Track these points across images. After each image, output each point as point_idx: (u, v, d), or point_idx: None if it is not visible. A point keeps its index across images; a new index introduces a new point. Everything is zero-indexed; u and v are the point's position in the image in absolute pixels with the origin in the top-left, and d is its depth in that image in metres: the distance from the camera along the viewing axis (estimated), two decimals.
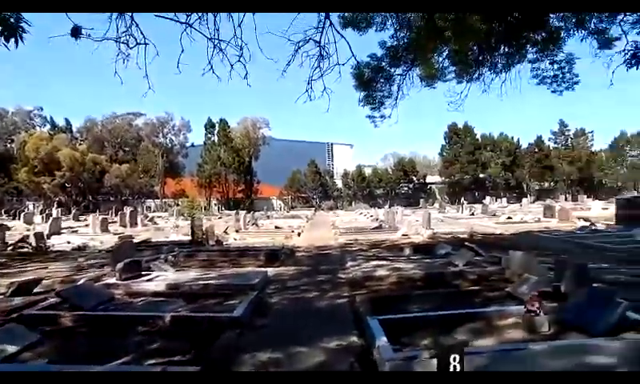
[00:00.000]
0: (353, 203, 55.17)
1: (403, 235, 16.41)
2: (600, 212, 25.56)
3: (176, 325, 5.26)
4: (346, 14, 9.74)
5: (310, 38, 8.90)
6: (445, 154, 56.28)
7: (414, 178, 57.89)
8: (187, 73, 8.46)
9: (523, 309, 4.96)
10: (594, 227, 16.90)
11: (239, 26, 7.29)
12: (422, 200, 52.84)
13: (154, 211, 45.13)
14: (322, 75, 9.02)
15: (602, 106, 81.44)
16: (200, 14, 7.12)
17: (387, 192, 56.67)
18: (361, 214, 35.79)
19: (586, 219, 19.66)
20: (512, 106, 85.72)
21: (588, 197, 43.70)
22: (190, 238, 15.75)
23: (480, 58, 11.21)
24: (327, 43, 8.87)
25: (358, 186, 56.89)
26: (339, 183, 59.27)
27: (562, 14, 9.41)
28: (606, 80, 9.49)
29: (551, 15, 9.26)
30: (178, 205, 45.57)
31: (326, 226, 24.32)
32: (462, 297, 6.70)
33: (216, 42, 7.50)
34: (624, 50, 7.83)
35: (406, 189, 57.98)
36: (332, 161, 71.68)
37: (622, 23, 8.91)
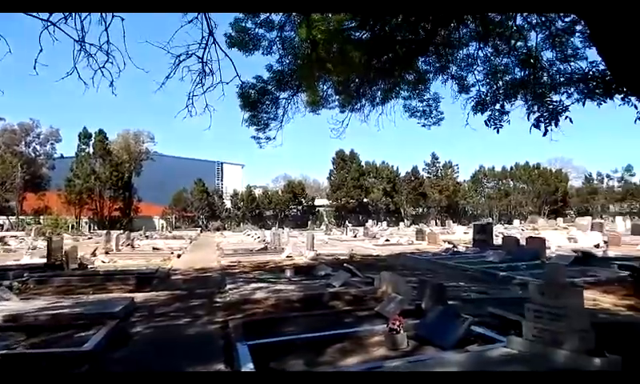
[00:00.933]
0: (241, 224, 54.21)
1: (287, 257, 16.52)
2: (462, 236, 28.85)
3: (5, 365, 4.46)
4: (233, 34, 9.69)
5: (193, 53, 8.63)
6: (332, 178, 58.80)
7: (303, 201, 59.22)
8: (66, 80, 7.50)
9: (386, 327, 5.24)
10: (455, 249, 18.96)
11: (106, 29, 6.71)
12: (309, 222, 54.20)
13: (7, 230, 38.90)
14: (204, 92, 8.76)
15: (465, 143, 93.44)
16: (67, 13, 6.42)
17: (277, 213, 56.99)
18: (248, 235, 35.31)
19: (449, 242, 21.99)
20: (393, 136, 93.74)
21: (454, 222, 49.09)
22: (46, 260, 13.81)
23: (361, 90, 12.00)
24: (210, 60, 8.67)
25: (247, 206, 56.23)
26: (228, 203, 57.94)
27: (428, 59, 10.55)
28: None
29: (419, 58, 10.31)
30: (39, 223, 39.94)
31: (211, 247, 23.44)
32: (337, 317, 6.89)
33: (83, 44, 6.81)
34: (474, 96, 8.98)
35: (295, 211, 58.95)
36: (222, 180, 69.91)
37: (475, 72, 10.30)
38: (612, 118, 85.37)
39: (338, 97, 12.39)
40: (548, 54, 8.65)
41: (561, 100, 6.05)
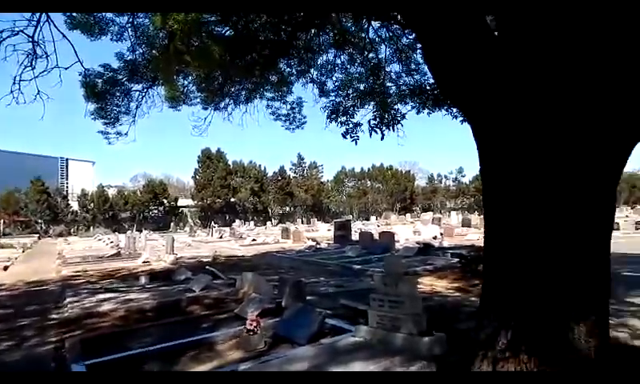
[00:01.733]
0: (92, 228, 48.48)
1: (144, 262, 15.30)
2: (325, 233, 30.40)
3: None
4: (75, 15, 8.55)
5: (21, 31, 7.35)
6: (198, 177, 56.52)
7: (165, 201, 55.67)
8: None
9: (244, 329, 5.19)
10: (318, 246, 19.89)
11: None
12: (172, 224, 51.15)
13: None
14: (35, 77, 7.53)
15: (329, 144, 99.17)
16: None
17: (134, 215, 52.45)
18: (100, 240, 31.73)
19: (313, 239, 23.00)
20: (261, 136, 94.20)
21: (318, 220, 51.53)
22: None
23: (224, 88, 11.70)
24: (44, 41, 7.49)
25: (98, 208, 50.51)
26: (75, 205, 51.25)
27: (290, 61, 10.78)
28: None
29: (282, 60, 10.48)
30: None
31: (50, 255, 20.40)
32: (194, 323, 6.58)
33: None
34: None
35: (156, 212, 55.04)
36: (67, 179, 61.57)
37: (334, 78, 10.86)
38: (449, 126, 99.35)
39: (200, 93, 11.90)
40: (396, 67, 9.56)
41: (399, 109, 6.79)
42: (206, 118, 12.15)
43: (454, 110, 5.55)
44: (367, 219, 51.64)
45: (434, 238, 21.10)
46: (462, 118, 5.57)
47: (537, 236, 2.76)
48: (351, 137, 7.08)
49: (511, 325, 2.99)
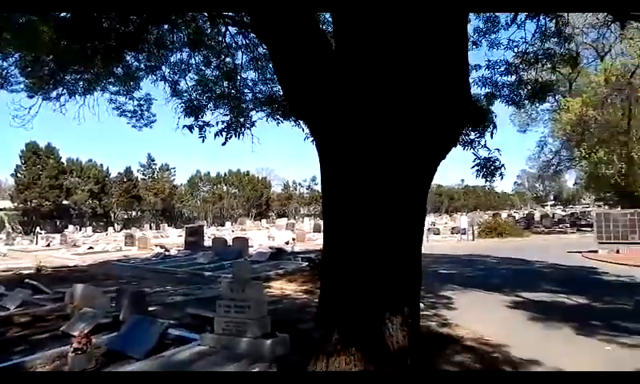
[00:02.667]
0: None
1: None
2: (176, 239, 28.77)
3: None
4: None
5: None
6: (20, 175, 47.95)
7: None
8: None
9: (69, 348, 4.61)
10: (167, 253, 18.74)
11: None
12: None
13: None
14: None
15: (183, 146, 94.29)
16: None
17: None
18: None
19: (162, 246, 21.58)
20: (103, 133, 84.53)
21: (169, 225, 48.50)
22: None
23: (57, 76, 10.25)
24: None
25: None
26: None
27: (138, 55, 10.00)
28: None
29: (128, 53, 9.65)
30: None
31: None
32: (5, 347, 5.57)
33: None
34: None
35: None
36: None
37: (188, 79, 10.42)
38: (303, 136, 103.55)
39: (25, 79, 10.19)
40: (252, 74, 9.61)
41: (250, 115, 6.91)
42: (31, 108, 10.48)
43: (301, 122, 5.90)
44: (222, 225, 50.63)
45: (287, 243, 21.82)
46: (306, 132, 5.94)
47: (361, 240, 3.12)
48: (200, 134, 6.87)
49: (342, 322, 3.30)
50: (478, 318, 7.24)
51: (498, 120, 5.73)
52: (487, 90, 7.99)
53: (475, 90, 8.26)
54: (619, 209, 21.99)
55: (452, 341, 5.95)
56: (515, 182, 77.06)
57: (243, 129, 6.00)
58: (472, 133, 4.85)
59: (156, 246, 22.23)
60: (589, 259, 14.82)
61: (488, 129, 4.94)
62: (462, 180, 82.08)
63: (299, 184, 67.99)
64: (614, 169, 23.66)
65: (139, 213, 56.30)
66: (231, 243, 18.49)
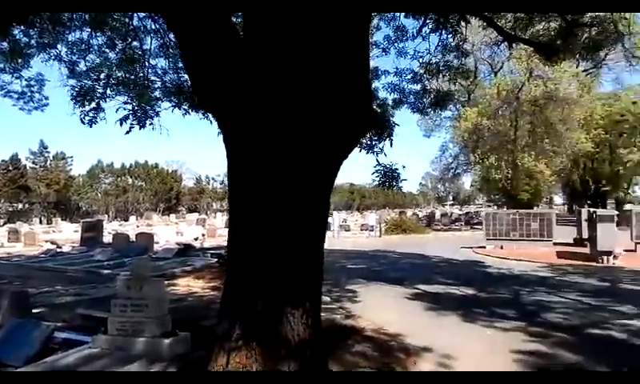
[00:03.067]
0: None
1: None
2: (71, 234, 26.23)
3: None
4: None
5: None
6: None
7: None
8: None
9: None
10: (59, 250, 17.04)
11: None
12: None
13: None
14: None
15: (83, 134, 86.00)
16: None
17: None
18: None
19: (53, 242, 19.53)
20: None
21: (63, 219, 44.06)
22: None
23: None
24: None
25: None
26: None
27: (28, 30, 8.96)
28: None
29: (15, 26, 8.60)
30: None
31: None
32: None
33: None
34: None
35: None
36: None
37: (87, 60, 9.52)
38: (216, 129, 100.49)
39: None
40: (162, 62, 9.06)
41: (155, 105, 6.55)
42: None
43: (210, 115, 5.73)
44: (126, 220, 47.27)
45: (196, 239, 21.09)
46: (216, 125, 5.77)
47: (264, 235, 3.14)
48: (89, 121, 6.29)
49: (244, 317, 3.30)
50: (380, 309, 7.67)
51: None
52: (395, 96, 8.49)
53: (384, 94, 8.74)
54: (505, 209, 24.66)
55: (354, 332, 6.23)
56: (420, 183, 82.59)
57: (147, 118, 5.65)
58: (374, 138, 5.11)
59: (46, 241, 20.09)
60: (478, 254, 16.45)
61: (384, 136, 5.23)
62: (373, 179, 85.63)
63: (212, 178, 66.03)
64: (501, 174, 26.44)
65: (27, 205, 50.38)
66: (134, 239, 17.38)
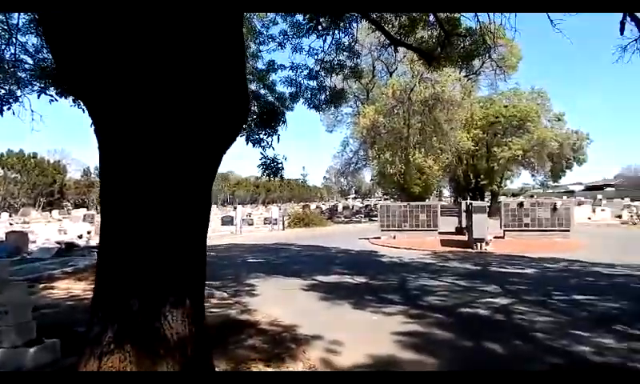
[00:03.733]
0: None
1: None
2: None
3: None
4: None
5: None
6: None
7: None
8: None
9: None
10: None
11: None
12: None
13: None
14: None
15: None
16: None
17: None
18: None
19: None
20: None
21: None
22: None
23: None
24: None
25: None
26: None
27: None
28: None
29: None
30: None
31: None
32: None
33: None
34: None
35: None
36: None
37: None
38: None
39: None
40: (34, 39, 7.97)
41: (11, 89, 5.79)
42: None
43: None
44: None
45: (80, 237, 19.23)
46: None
47: (139, 231, 2.98)
48: None
49: (117, 318, 3.11)
50: (276, 302, 7.76)
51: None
52: (292, 90, 8.60)
53: (281, 88, 8.80)
54: (399, 202, 26.49)
55: (248, 326, 6.23)
56: (324, 177, 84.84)
57: (4, 104, 4.98)
58: (262, 132, 5.13)
59: None
60: (373, 244, 17.47)
61: (278, 129, 5.30)
62: (259, 171, 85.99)
63: None
64: (396, 169, 28.34)
65: None
66: (4, 238, 15.31)
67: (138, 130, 2.86)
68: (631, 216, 28.11)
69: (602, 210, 30.10)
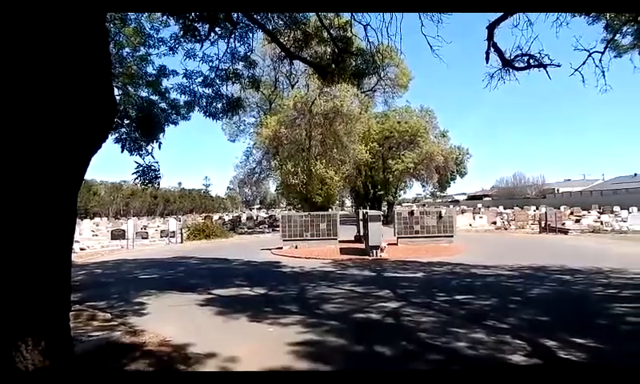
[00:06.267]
0: None
1: None
2: None
3: None
4: None
5: None
6: None
7: None
8: None
9: None
10: None
11: None
12: None
13: None
14: None
15: None
16: None
17: None
18: None
19: None
20: None
21: None
22: None
23: None
24: None
25: None
26: None
27: None
28: None
29: None
30: None
31: None
32: None
33: None
34: None
35: None
36: None
37: None
38: None
39: None
40: None
41: None
42: None
43: None
44: None
45: None
46: None
47: None
48: None
49: None
50: (167, 320, 7.31)
51: None
52: (186, 98, 8.25)
53: (174, 95, 8.40)
54: (301, 212, 26.89)
55: (133, 349, 5.75)
56: (228, 187, 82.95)
57: None
58: (142, 140, 4.84)
59: None
60: (275, 255, 17.43)
61: (159, 136, 5.04)
62: (180, 183, 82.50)
63: None
64: (298, 179, 28.76)
65: None
66: None
67: None
68: (503, 222, 31.96)
69: (481, 218, 33.74)
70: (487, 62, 7.28)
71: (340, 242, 19.34)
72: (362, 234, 20.12)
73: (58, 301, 2.96)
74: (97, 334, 6.46)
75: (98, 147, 2.78)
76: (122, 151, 4.45)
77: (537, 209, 35.38)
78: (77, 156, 2.74)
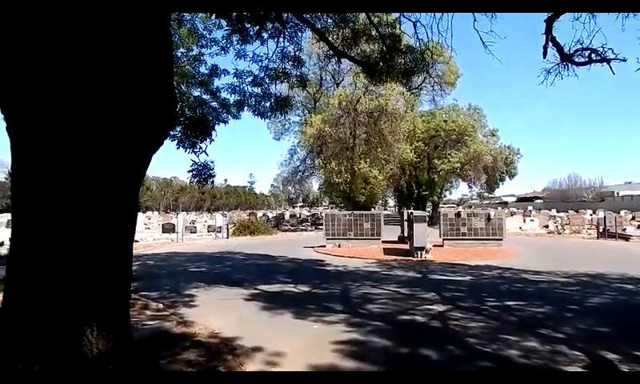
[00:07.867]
0: None
1: None
2: None
3: None
4: None
5: None
6: None
7: None
8: None
9: None
10: None
11: None
12: None
13: None
14: None
15: None
16: None
17: None
18: None
19: None
20: None
21: None
22: None
23: None
24: None
25: None
26: None
27: None
28: None
29: None
30: None
31: None
32: None
33: None
34: None
35: None
36: None
37: None
38: None
39: None
40: None
41: None
42: None
43: None
44: None
45: (1, 244, 17.63)
46: None
47: (56, 242, 2.76)
48: None
49: (29, 335, 2.85)
50: (216, 312, 7.53)
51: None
52: (236, 98, 8.44)
53: (224, 94, 8.62)
54: (344, 211, 26.86)
55: (184, 339, 5.97)
56: (272, 184, 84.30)
57: None
58: (194, 138, 4.99)
59: None
60: (318, 253, 17.51)
61: (211, 134, 5.18)
62: (225, 180, 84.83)
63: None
64: (342, 178, 28.75)
65: None
66: None
67: (52, 130, 2.65)
68: (556, 226, 30.40)
69: (532, 221, 32.26)
70: (545, 57, 6.93)
71: (383, 242, 19.13)
72: (406, 234, 19.81)
73: (120, 291, 3.12)
74: (150, 323, 6.75)
75: (159, 144, 2.90)
76: (178, 148, 4.64)
77: (594, 212, 33.38)
78: (141, 153, 2.87)
